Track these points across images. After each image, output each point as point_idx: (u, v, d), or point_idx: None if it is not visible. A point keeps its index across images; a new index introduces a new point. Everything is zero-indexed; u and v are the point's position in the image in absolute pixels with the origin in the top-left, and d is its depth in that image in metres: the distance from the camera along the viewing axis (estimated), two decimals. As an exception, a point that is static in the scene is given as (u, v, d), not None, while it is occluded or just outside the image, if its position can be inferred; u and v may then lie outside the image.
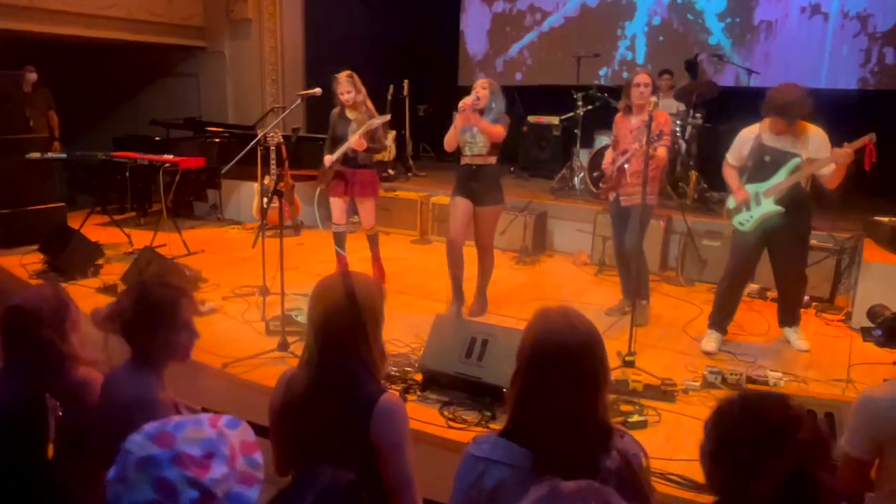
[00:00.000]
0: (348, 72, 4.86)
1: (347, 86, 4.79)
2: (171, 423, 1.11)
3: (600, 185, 4.63)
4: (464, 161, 4.42)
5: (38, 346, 1.89)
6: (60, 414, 1.85)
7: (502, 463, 1.43)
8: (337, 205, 5.03)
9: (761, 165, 3.87)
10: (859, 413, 1.86)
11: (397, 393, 3.21)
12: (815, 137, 3.73)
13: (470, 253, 4.59)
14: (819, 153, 3.69)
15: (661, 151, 4.23)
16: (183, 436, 1.08)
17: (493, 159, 4.38)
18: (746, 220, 3.93)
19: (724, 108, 6.70)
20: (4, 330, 1.93)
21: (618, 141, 4.50)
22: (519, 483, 1.40)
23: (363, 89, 4.89)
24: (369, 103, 4.94)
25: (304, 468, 1.62)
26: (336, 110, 4.95)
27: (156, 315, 1.81)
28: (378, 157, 5.78)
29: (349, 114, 4.86)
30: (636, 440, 1.53)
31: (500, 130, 4.32)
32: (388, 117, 4.94)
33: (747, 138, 3.93)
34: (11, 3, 6.71)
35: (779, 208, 3.81)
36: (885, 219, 4.71)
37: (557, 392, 1.43)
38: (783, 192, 3.79)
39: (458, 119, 4.29)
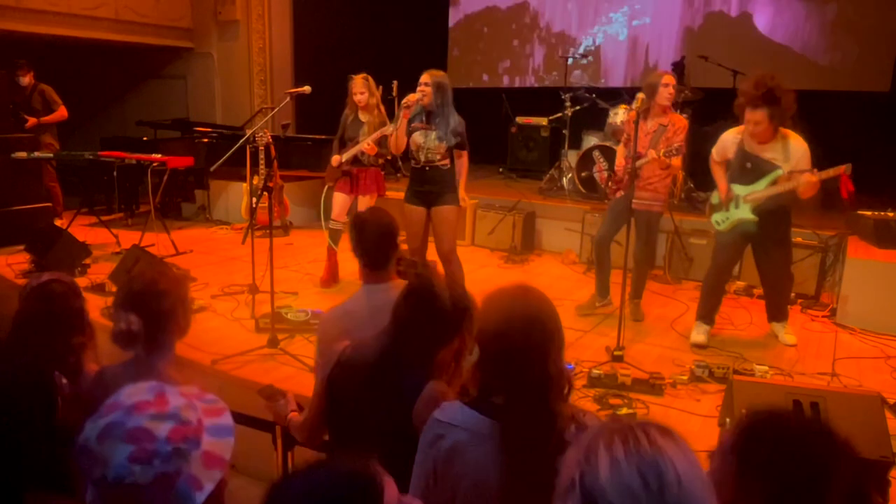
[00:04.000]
0: (364, 74, 4.93)
1: (362, 87, 4.86)
2: (109, 399, 1.10)
3: (610, 183, 4.61)
4: (415, 165, 4.28)
5: (51, 335, 1.88)
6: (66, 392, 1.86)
7: (460, 427, 1.52)
8: (339, 200, 5.06)
9: (742, 171, 3.89)
10: None
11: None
12: (798, 150, 3.70)
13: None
14: (800, 165, 3.68)
15: (676, 160, 4.18)
16: (124, 395, 1.08)
17: (447, 161, 4.24)
18: (722, 221, 3.99)
19: (710, 109, 6.76)
20: (25, 311, 1.93)
21: (629, 139, 4.27)
22: (474, 447, 1.49)
23: (377, 93, 4.98)
24: (382, 107, 5.00)
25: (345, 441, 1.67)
26: (348, 112, 5.00)
27: (162, 319, 1.82)
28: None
29: (362, 116, 4.91)
30: (596, 416, 1.63)
31: (466, 164, 4.33)
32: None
33: (731, 140, 3.94)
34: (-2, 2, 6.68)
35: (753, 217, 3.85)
36: (869, 213, 4.78)
37: (509, 362, 1.50)
38: (760, 202, 3.82)
39: (402, 117, 4.19)
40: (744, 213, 3.88)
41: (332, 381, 1.87)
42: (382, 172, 5.16)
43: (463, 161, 4.32)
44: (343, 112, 5.05)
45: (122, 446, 1.00)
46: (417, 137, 4.21)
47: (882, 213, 4.71)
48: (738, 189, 3.91)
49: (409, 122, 4.23)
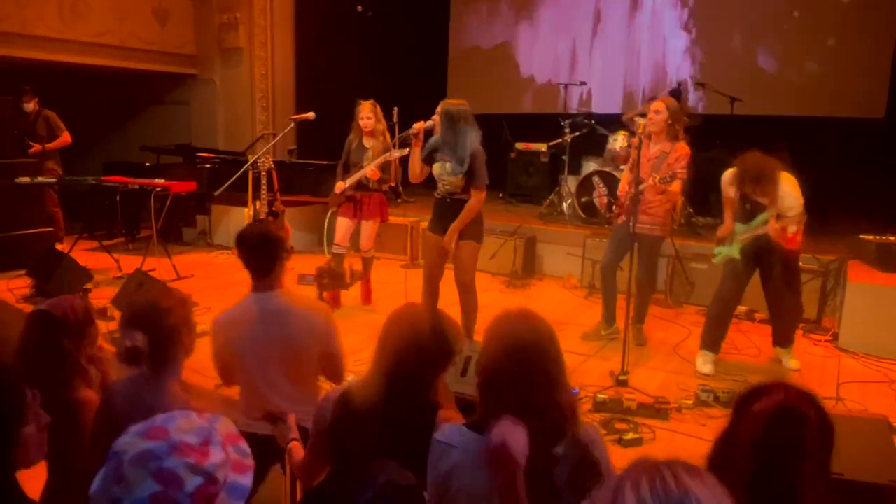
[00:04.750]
0: (372, 100, 4.99)
1: (369, 112, 4.90)
2: (158, 418, 1.10)
3: (613, 208, 4.63)
4: (438, 195, 4.14)
5: (53, 355, 1.89)
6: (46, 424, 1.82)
7: (459, 448, 1.56)
8: (343, 225, 5.07)
9: (743, 210, 4.03)
10: None
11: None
12: (788, 194, 3.82)
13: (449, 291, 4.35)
14: (790, 211, 3.80)
15: (676, 185, 4.20)
16: (175, 426, 1.07)
17: (467, 195, 4.02)
18: (717, 254, 4.16)
19: (707, 136, 6.84)
20: (26, 331, 1.93)
21: (634, 165, 4.24)
22: (470, 466, 1.53)
23: (383, 121, 5.02)
24: (387, 135, 5.05)
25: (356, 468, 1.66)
26: (352, 137, 5.02)
27: (168, 337, 1.82)
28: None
29: (366, 142, 4.95)
30: (594, 427, 1.69)
31: (477, 204, 3.98)
32: (406, 152, 4.78)
33: (728, 182, 4.05)
34: (5, 29, 6.76)
35: (737, 256, 4.00)
36: (871, 237, 4.82)
37: (512, 384, 1.54)
38: (748, 242, 3.94)
39: (413, 145, 4.09)
40: (733, 251, 4.03)
41: (335, 431, 1.80)
42: (386, 198, 5.18)
43: (472, 199, 4.00)
44: (347, 137, 5.09)
45: (149, 482, 1.00)
46: (436, 168, 4.07)
47: (884, 237, 4.74)
48: (738, 228, 4.04)
49: (433, 151, 4.09)
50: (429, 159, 4.11)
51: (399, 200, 8.20)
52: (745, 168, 3.84)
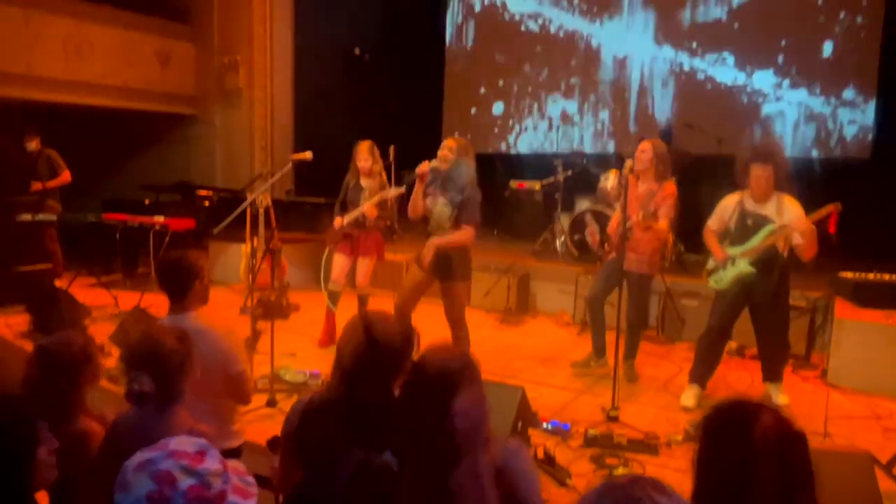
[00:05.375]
0: (370, 142, 5.12)
1: (366, 153, 5.03)
2: (163, 441, 1.19)
3: (605, 246, 4.73)
4: (429, 230, 4.18)
5: (50, 390, 1.95)
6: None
7: None
8: (339, 262, 5.15)
9: (744, 229, 4.05)
10: None
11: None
12: (791, 208, 3.93)
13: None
14: (792, 222, 3.88)
15: (662, 223, 4.29)
16: (177, 441, 1.17)
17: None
18: (720, 279, 4.12)
19: (697, 175, 6.99)
20: (27, 366, 2.01)
21: (626, 204, 4.33)
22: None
23: (380, 161, 5.15)
24: (384, 174, 5.18)
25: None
26: (349, 177, 5.14)
27: (173, 376, 1.90)
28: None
29: (363, 182, 5.06)
30: (519, 443, 1.74)
31: (464, 237, 4.04)
32: (402, 190, 4.93)
33: (728, 205, 4.13)
34: (11, 70, 6.93)
35: (752, 269, 3.97)
36: (850, 275, 4.91)
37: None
38: (758, 255, 3.97)
39: (417, 185, 4.12)
40: (741, 267, 4.01)
41: (300, 434, 1.88)
42: (382, 237, 5.27)
43: (462, 231, 4.08)
44: (345, 176, 5.20)
45: (147, 482, 1.09)
46: (429, 202, 4.15)
47: (862, 275, 4.84)
48: (732, 250, 4.06)
49: (427, 185, 4.17)
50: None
51: (394, 237, 8.30)
52: (756, 148, 3.93)
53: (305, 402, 1.91)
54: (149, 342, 1.95)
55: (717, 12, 8.02)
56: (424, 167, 4.09)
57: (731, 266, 4.06)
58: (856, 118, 7.39)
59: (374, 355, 1.81)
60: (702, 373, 4.20)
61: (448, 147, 4.10)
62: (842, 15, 7.34)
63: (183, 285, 2.73)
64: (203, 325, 2.69)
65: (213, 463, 1.15)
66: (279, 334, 4.42)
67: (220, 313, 6.10)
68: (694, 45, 8.20)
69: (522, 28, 9.35)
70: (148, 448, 1.16)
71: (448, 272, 4.14)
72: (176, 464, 1.11)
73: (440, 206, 4.08)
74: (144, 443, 1.76)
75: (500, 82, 9.62)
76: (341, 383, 1.83)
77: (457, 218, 4.08)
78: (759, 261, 3.97)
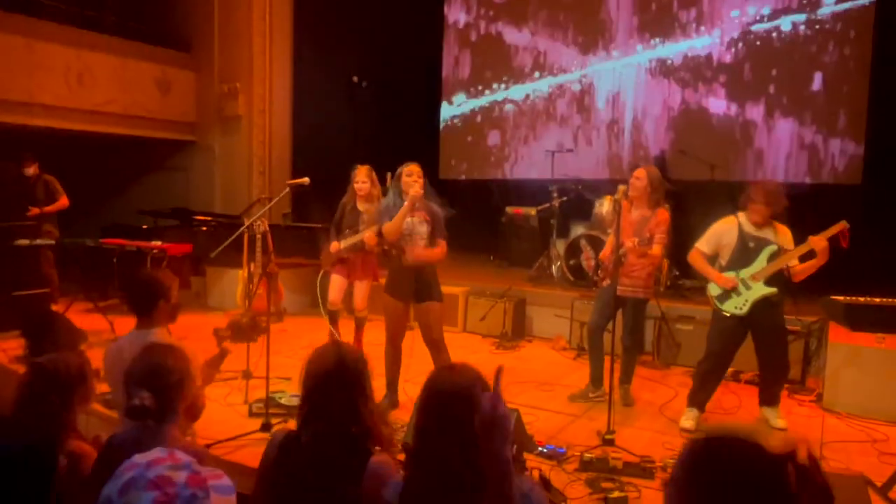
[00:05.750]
0: (369, 166, 5.17)
1: (365, 177, 5.08)
2: (122, 465, 1.19)
3: (598, 272, 4.76)
4: (398, 254, 4.24)
5: (42, 408, 1.96)
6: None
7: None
8: (336, 284, 5.19)
9: (745, 251, 4.07)
10: None
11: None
12: (785, 234, 4.05)
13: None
14: (788, 246, 4.00)
15: (656, 249, 4.34)
16: (139, 457, 1.18)
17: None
18: (742, 305, 4.04)
19: (691, 201, 7.07)
20: (24, 381, 2.02)
21: (620, 230, 4.38)
22: None
23: (378, 185, 5.19)
24: (381, 199, 5.17)
25: None
26: (347, 199, 5.16)
27: (172, 392, 1.92)
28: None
29: (360, 205, 5.09)
30: (532, 480, 1.74)
31: (443, 251, 4.20)
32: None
33: (727, 228, 4.16)
34: (13, 98, 7.02)
35: (773, 289, 3.98)
36: (841, 298, 4.94)
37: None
38: (769, 276, 4.00)
39: (406, 208, 4.12)
40: (760, 290, 4.00)
41: (270, 475, 1.89)
42: (376, 260, 5.30)
43: (439, 248, 4.22)
44: (341, 199, 5.23)
45: (145, 494, 1.09)
46: (406, 222, 4.20)
47: (853, 298, 4.87)
48: (743, 272, 4.06)
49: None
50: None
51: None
52: (765, 189, 4.01)
53: (283, 436, 1.92)
54: (150, 358, 1.97)
55: (709, 45, 8.17)
56: (419, 192, 4.16)
57: (747, 290, 4.03)
58: (847, 147, 7.50)
59: (339, 375, 1.84)
60: (701, 398, 4.20)
61: (420, 174, 4.24)
62: (830, 47, 7.49)
63: (148, 303, 2.88)
64: (164, 342, 2.75)
65: (185, 456, 1.18)
66: (275, 359, 4.42)
67: (211, 339, 6.10)
68: (686, 76, 8.34)
69: (518, 58, 9.50)
70: (115, 476, 1.15)
71: (428, 293, 4.23)
72: (162, 466, 1.13)
73: (417, 225, 4.21)
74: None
75: (496, 111, 9.74)
76: (305, 410, 1.86)
77: (431, 234, 4.22)
78: (771, 282, 4.00)
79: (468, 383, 1.65)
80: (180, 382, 1.96)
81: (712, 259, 4.22)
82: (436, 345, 4.29)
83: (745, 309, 4.04)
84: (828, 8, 7.47)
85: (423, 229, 4.21)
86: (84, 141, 8.72)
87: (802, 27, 7.62)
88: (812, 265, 3.92)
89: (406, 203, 4.12)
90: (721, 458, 1.17)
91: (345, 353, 1.90)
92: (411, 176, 4.20)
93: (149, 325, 2.91)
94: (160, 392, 1.89)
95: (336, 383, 1.83)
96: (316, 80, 9.28)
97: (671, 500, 1.20)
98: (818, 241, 3.83)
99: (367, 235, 4.92)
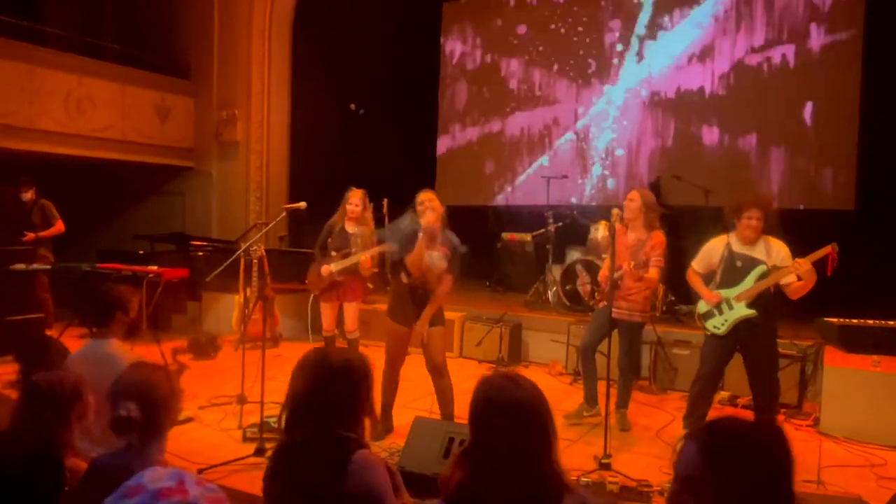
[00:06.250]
0: (363, 190, 5.17)
1: (359, 200, 5.07)
2: (130, 480, 1.18)
3: (595, 295, 4.76)
4: (407, 281, 4.18)
5: (37, 425, 1.96)
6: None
7: None
8: (327, 311, 5.18)
9: (732, 270, 4.07)
10: None
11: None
12: (780, 249, 4.01)
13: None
14: (783, 262, 3.96)
15: (653, 272, 4.35)
16: (149, 479, 1.16)
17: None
18: (721, 324, 4.06)
19: (685, 226, 7.11)
20: (19, 398, 2.02)
21: (615, 253, 4.37)
22: None
23: (370, 210, 5.21)
24: (372, 223, 5.21)
25: None
26: (335, 221, 5.10)
27: (158, 407, 1.92)
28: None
29: (349, 227, 5.05)
30: (590, 497, 1.64)
31: (449, 287, 4.19)
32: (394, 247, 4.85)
33: (716, 247, 4.18)
34: (12, 123, 7.07)
35: (752, 311, 3.97)
36: (835, 320, 4.96)
37: (507, 446, 1.55)
38: (753, 297, 3.99)
39: (421, 243, 4.04)
40: (740, 311, 4.00)
41: (269, 483, 1.91)
42: (367, 283, 5.29)
43: (445, 284, 4.17)
44: (327, 220, 5.17)
45: None
46: (426, 259, 4.13)
47: (847, 320, 4.90)
48: (726, 292, 4.07)
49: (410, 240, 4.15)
50: (409, 248, 4.13)
51: (388, 288, 8.33)
52: (751, 195, 4.04)
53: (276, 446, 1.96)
54: (137, 373, 1.97)
55: (701, 77, 8.31)
56: (431, 222, 4.04)
57: (729, 310, 4.03)
58: (840, 174, 7.58)
59: (330, 382, 1.86)
60: (696, 419, 4.17)
61: (433, 200, 4.14)
62: (820, 77, 7.63)
63: (102, 314, 2.96)
64: (115, 352, 2.87)
65: (193, 488, 1.16)
66: (269, 384, 4.40)
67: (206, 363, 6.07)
68: (679, 107, 8.46)
69: (513, 88, 9.63)
70: (119, 491, 1.14)
71: (434, 319, 4.20)
72: (168, 502, 1.11)
73: (437, 259, 4.13)
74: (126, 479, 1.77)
75: (492, 139, 9.84)
76: (291, 415, 1.89)
77: (447, 269, 4.17)
78: (755, 303, 3.99)
79: (530, 388, 1.65)
80: (167, 399, 1.95)
81: (708, 278, 4.23)
82: (439, 370, 4.23)
83: (724, 329, 4.04)
84: (816, 40, 7.62)
85: (443, 265, 4.15)
86: (82, 166, 8.77)
87: (792, 58, 7.77)
88: (802, 286, 3.92)
89: (421, 237, 4.03)
90: (726, 430, 1.29)
91: (333, 356, 1.96)
92: (423, 204, 4.14)
93: (104, 336, 2.98)
94: (146, 406, 1.88)
95: (323, 384, 1.86)
96: (313, 107, 9.38)
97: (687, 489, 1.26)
98: (801, 265, 3.83)
99: (364, 258, 4.92)
